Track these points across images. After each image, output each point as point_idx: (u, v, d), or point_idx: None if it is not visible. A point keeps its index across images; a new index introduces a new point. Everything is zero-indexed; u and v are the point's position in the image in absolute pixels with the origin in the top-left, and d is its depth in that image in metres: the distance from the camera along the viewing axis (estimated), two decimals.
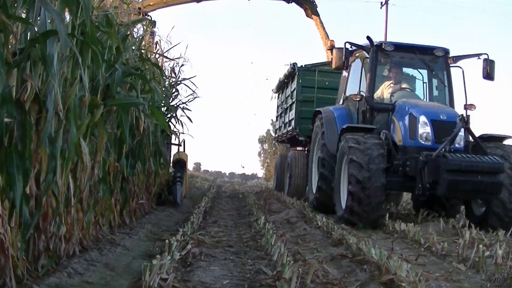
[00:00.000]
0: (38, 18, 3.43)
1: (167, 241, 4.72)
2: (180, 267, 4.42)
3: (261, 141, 63.99)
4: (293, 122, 14.75)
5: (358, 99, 9.51)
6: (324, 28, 18.05)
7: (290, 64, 14.89)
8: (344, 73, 10.96)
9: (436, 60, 9.91)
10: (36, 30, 3.46)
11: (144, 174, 7.83)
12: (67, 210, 4.29)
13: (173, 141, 11.65)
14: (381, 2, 31.31)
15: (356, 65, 10.30)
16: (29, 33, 3.54)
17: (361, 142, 8.18)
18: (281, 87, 17.30)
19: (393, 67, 10.03)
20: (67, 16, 4.21)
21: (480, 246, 5.09)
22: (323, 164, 9.76)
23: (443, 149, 7.91)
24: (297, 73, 14.50)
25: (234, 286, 4.11)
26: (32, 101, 3.52)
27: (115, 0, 6.09)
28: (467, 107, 9.24)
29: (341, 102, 10.86)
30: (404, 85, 9.97)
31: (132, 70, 5.90)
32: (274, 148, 61.41)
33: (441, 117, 8.59)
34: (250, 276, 4.43)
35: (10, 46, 3.32)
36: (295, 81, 14.69)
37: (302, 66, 14.62)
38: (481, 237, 6.61)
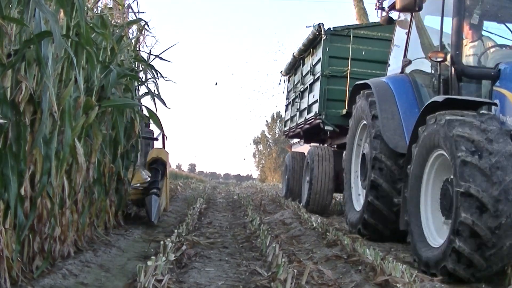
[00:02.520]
0: (33, 19, 3.43)
1: (162, 242, 4.73)
2: (175, 268, 4.43)
3: (256, 142, 64.14)
4: (315, 106, 10.77)
5: (441, 58, 5.85)
6: None
7: (314, 26, 10.68)
8: (399, 29, 7.47)
9: None
10: (30, 31, 3.45)
11: None
12: (61, 212, 4.29)
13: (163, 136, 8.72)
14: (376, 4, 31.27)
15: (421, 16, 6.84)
16: (23, 34, 3.53)
17: (476, 125, 4.67)
18: (295, 64, 13.11)
19: (482, 16, 6.26)
20: (62, 17, 4.21)
21: None
22: (376, 165, 6.46)
23: None
24: (323, 38, 10.42)
25: (229, 287, 4.12)
26: (27, 102, 3.52)
27: (109, 1, 6.08)
28: None
29: (398, 71, 7.16)
30: (491, 43, 6.25)
31: (127, 71, 5.90)
32: (268, 150, 61.67)
33: None
34: (245, 277, 4.44)
35: (4, 47, 3.31)
36: (320, 50, 10.65)
37: (330, 28, 10.49)
38: None
